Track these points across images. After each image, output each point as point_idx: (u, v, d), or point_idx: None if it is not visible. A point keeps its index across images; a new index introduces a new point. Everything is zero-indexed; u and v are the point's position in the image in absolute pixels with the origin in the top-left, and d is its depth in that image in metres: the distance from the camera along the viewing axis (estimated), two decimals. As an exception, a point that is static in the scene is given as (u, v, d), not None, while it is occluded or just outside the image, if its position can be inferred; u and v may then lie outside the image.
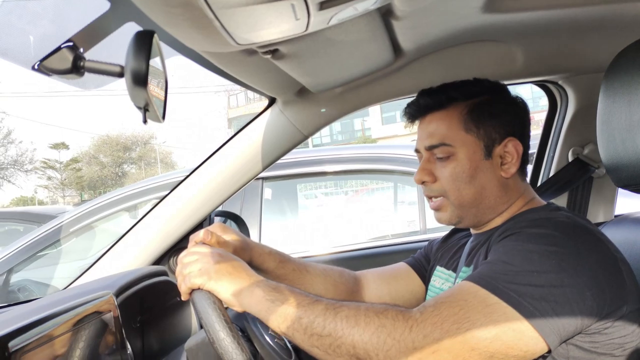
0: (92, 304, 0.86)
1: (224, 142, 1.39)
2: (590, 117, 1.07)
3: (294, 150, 1.44)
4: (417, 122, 1.08)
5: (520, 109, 1.04)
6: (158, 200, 1.41)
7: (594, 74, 1.31)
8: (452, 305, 0.77)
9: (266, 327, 1.02)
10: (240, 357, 0.79)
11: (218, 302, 0.85)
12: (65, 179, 35.61)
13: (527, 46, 1.21)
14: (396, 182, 3.03)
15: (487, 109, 1.00)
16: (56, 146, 35.04)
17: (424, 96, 1.05)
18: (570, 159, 1.46)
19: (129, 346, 0.97)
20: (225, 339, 0.80)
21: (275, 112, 1.33)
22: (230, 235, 1.07)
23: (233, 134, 1.39)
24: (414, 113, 1.07)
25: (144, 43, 0.61)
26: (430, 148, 1.02)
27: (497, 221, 1.02)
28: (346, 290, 1.18)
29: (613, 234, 0.91)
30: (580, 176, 1.44)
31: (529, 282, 0.77)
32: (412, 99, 1.08)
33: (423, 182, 1.04)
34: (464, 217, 1.02)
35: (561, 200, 1.48)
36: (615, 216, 1.47)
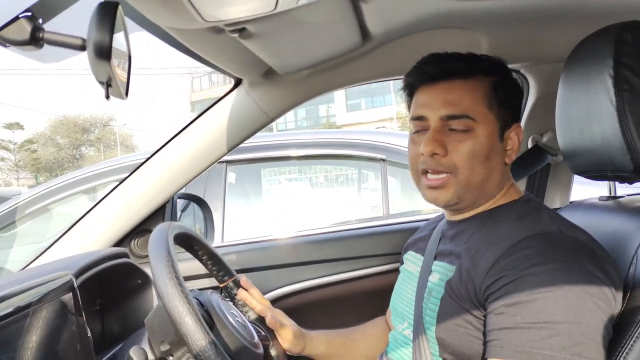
0: (50, 285, 0.84)
1: (188, 123, 1.37)
2: (550, 105, 1.10)
3: (258, 134, 1.44)
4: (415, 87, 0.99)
5: (522, 93, 1.02)
6: (119, 181, 1.38)
7: (555, 63, 1.34)
8: None
9: (229, 307, 1.02)
10: (187, 310, 0.78)
11: (173, 262, 0.84)
12: (19, 161, 34.36)
13: (491, 34, 1.23)
14: (360, 167, 3.05)
15: (506, 89, 0.96)
16: (10, 126, 33.70)
17: (448, 59, 0.96)
18: (529, 146, 1.50)
19: (88, 329, 0.95)
20: (170, 291, 0.79)
21: (241, 94, 1.32)
22: (289, 321, 1.15)
23: (197, 115, 1.37)
24: (434, 74, 0.96)
25: (107, 14, 0.59)
26: (448, 118, 0.93)
27: (476, 210, 1.00)
28: (387, 335, 1.20)
29: (569, 219, 0.94)
30: (539, 163, 1.48)
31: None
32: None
33: (433, 154, 0.93)
34: (463, 199, 0.96)
35: (520, 186, 1.52)
36: (571, 202, 1.52)
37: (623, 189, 1.11)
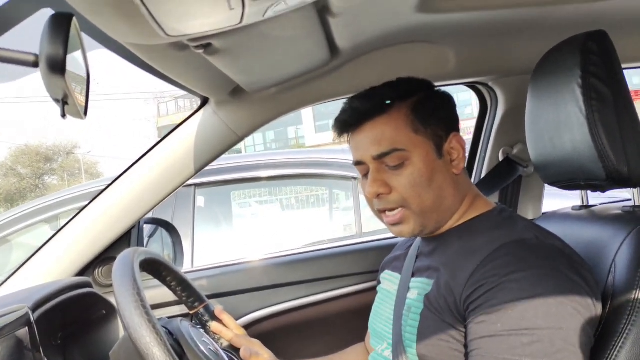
0: (4, 320, 0.78)
1: (153, 144, 1.32)
2: (519, 117, 1.11)
3: (227, 156, 1.40)
4: (346, 134, 1.00)
5: (452, 102, 1.01)
6: (81, 208, 1.32)
7: (522, 75, 1.35)
8: None
9: (200, 335, 0.97)
10: (154, 340, 0.73)
11: (139, 289, 0.79)
12: (-22, 192, 33.22)
13: (459, 48, 1.24)
14: (331, 187, 3.04)
15: (428, 106, 0.96)
16: (-32, 157, 32.67)
17: (360, 101, 0.97)
18: (500, 158, 1.50)
19: (48, 365, 0.89)
20: (136, 320, 0.74)
21: (208, 113, 1.28)
22: (266, 352, 1.08)
23: (163, 136, 1.33)
24: (351, 121, 0.97)
25: (60, 26, 0.55)
26: (380, 157, 0.93)
27: (449, 225, 0.98)
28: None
29: (544, 229, 0.93)
30: (511, 175, 1.48)
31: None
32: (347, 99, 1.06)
33: (378, 195, 0.94)
34: (426, 225, 0.96)
35: (492, 200, 1.52)
36: (543, 213, 1.53)
37: (595, 199, 1.11)
